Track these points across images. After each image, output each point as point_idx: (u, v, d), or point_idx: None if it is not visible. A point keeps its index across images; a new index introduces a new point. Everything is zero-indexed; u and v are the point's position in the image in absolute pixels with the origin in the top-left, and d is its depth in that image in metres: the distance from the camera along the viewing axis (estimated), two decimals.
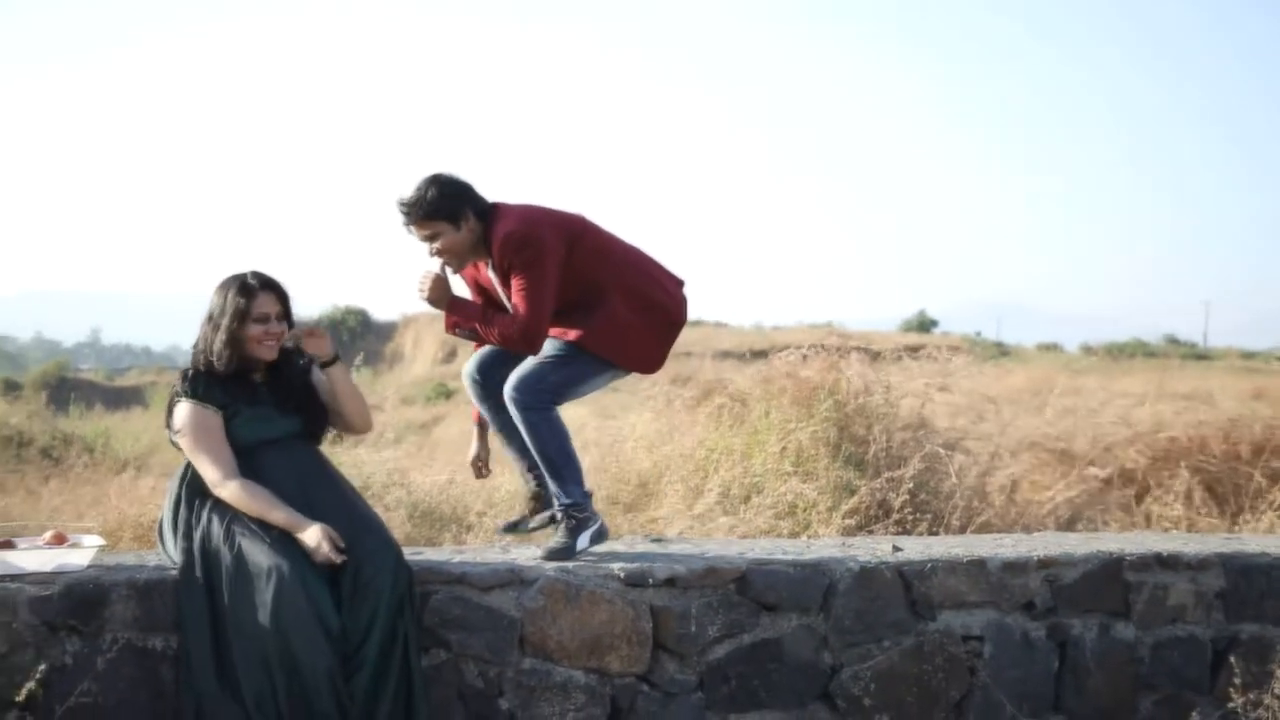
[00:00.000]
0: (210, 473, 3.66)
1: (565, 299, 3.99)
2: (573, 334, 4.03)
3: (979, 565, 4.18)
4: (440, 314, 4.08)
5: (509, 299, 4.01)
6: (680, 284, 4.24)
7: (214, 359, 3.73)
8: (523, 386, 3.94)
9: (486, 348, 4.17)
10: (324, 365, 3.94)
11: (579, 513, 4.03)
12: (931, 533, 5.61)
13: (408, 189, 3.98)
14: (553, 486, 4.05)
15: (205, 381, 3.74)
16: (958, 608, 4.15)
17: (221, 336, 3.72)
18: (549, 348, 4.02)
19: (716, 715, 3.93)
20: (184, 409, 3.72)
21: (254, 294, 3.77)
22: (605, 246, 4.10)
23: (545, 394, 3.96)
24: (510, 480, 6.45)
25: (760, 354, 7.94)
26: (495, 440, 4.33)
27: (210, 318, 3.78)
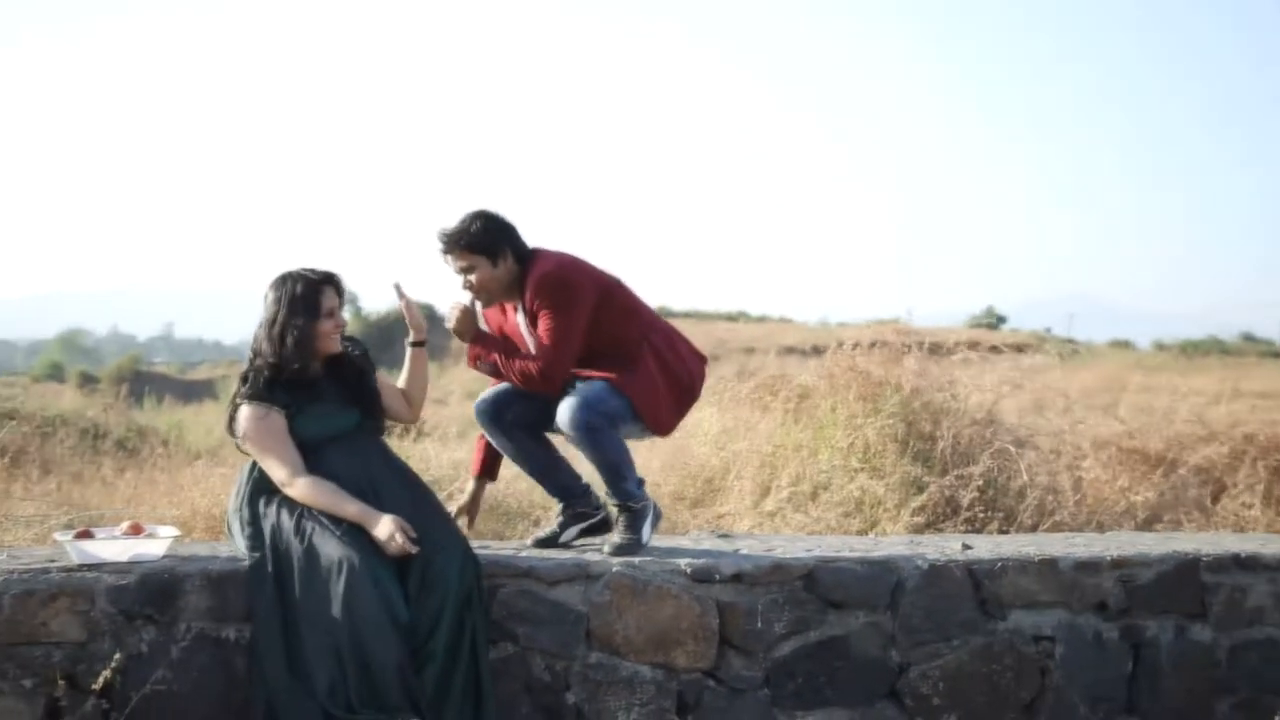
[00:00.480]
0: (278, 473, 3.70)
1: (592, 349, 4.04)
2: (609, 376, 4.03)
3: (1051, 565, 4.11)
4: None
5: (535, 342, 4.05)
6: (703, 360, 4.31)
7: (283, 359, 3.74)
8: (586, 406, 3.93)
9: (501, 385, 4.17)
10: (415, 343, 4.02)
11: (636, 503, 4.04)
12: (1002, 531, 5.53)
13: (452, 219, 4.03)
14: (610, 490, 4.06)
15: (265, 383, 3.77)
16: (1028, 607, 4.09)
17: (293, 336, 3.75)
18: (590, 384, 4.01)
19: (783, 712, 3.91)
20: (246, 412, 3.76)
21: (319, 289, 3.81)
22: (635, 308, 4.17)
23: (606, 415, 3.96)
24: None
25: (824, 350, 7.87)
26: (490, 487, 4.43)
27: (274, 319, 3.78)
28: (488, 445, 4.24)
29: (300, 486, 3.66)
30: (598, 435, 3.92)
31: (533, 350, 4.06)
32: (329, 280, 3.83)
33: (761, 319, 48.00)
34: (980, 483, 5.66)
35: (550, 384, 3.97)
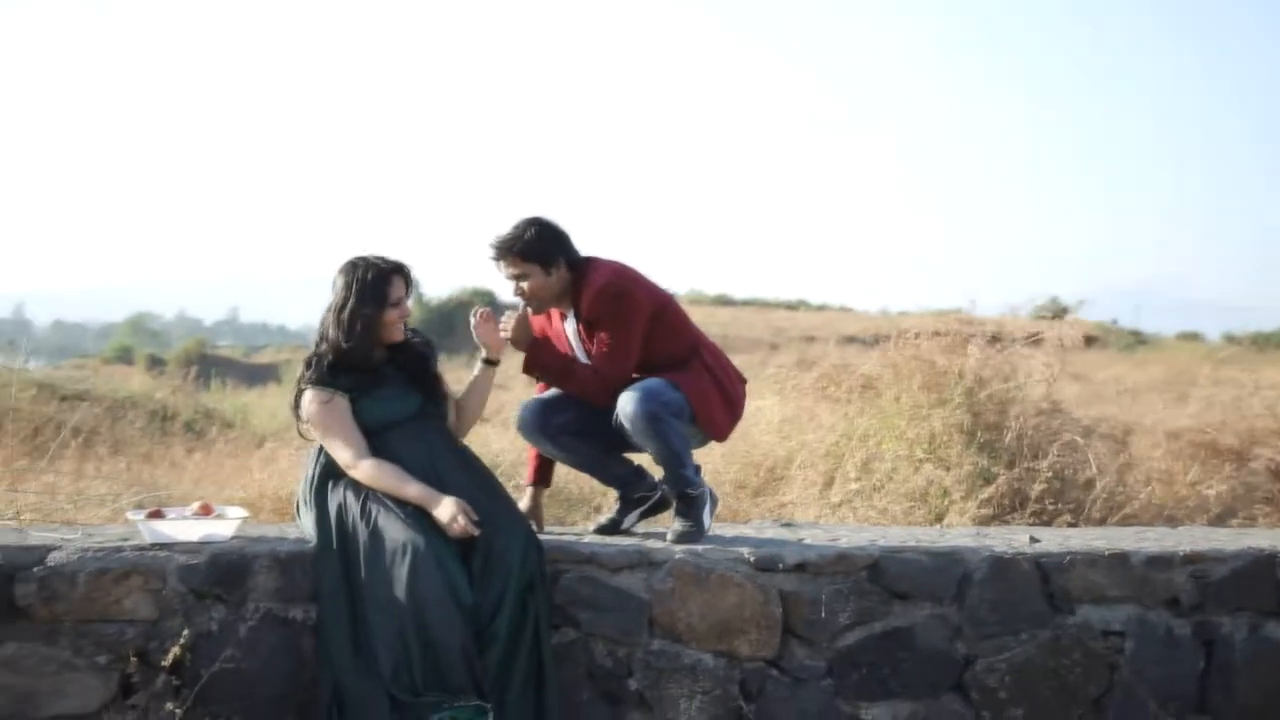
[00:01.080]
0: (343, 455, 3.73)
1: (644, 363, 4.05)
2: (669, 376, 4.04)
3: (1121, 559, 4.04)
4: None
5: (585, 352, 4.06)
6: (744, 381, 4.31)
7: (348, 345, 3.77)
8: (648, 397, 3.92)
9: (542, 395, 4.18)
10: (488, 361, 4.05)
11: (694, 490, 4.04)
12: (1071, 524, 5.45)
13: (506, 227, 4.04)
14: (668, 478, 4.06)
15: (329, 367, 3.80)
16: (1098, 602, 4.02)
17: (360, 323, 3.78)
18: (647, 379, 4.01)
19: (846, 703, 3.88)
20: (311, 396, 3.79)
21: (389, 278, 3.83)
22: (686, 323, 4.19)
23: (668, 406, 3.95)
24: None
25: (886, 339, 7.79)
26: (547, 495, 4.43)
27: (342, 305, 3.81)
28: (539, 453, 4.25)
29: (364, 468, 3.69)
30: (659, 425, 3.91)
31: (581, 359, 4.07)
32: (398, 270, 3.86)
33: (821, 308, 47.72)
34: (1049, 475, 5.58)
35: (607, 394, 3.97)
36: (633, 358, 4.02)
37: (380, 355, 3.88)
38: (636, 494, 4.23)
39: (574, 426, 4.09)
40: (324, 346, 3.82)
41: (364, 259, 3.85)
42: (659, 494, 4.22)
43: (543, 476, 4.30)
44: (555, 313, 4.17)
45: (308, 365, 3.84)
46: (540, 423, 4.11)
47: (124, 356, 37.14)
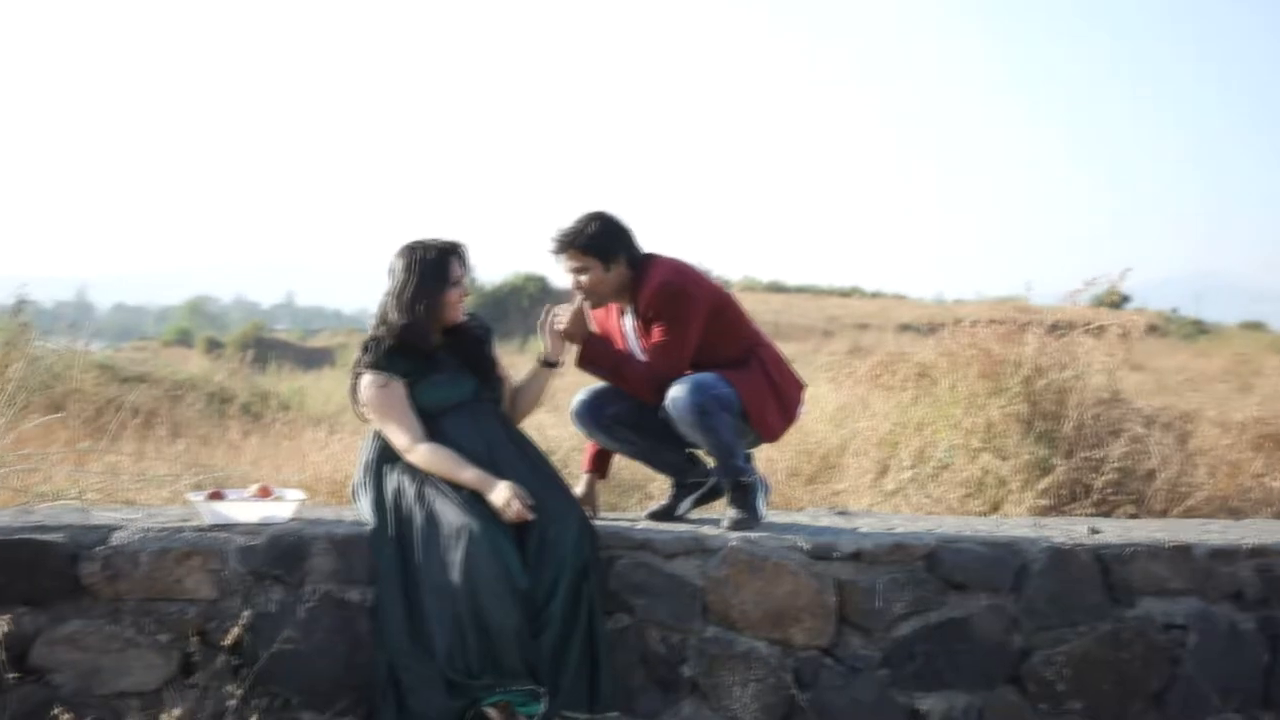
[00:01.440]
0: (399, 439, 3.75)
1: (699, 362, 4.03)
2: (721, 371, 4.03)
3: (1184, 551, 3.97)
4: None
5: (641, 348, 4.05)
6: (802, 387, 4.28)
7: (411, 326, 3.80)
8: (699, 389, 3.91)
9: (596, 385, 4.16)
10: (547, 364, 4.06)
11: (746, 478, 4.03)
12: (1132, 516, 5.37)
13: (568, 219, 4.03)
14: (720, 468, 4.04)
15: (386, 352, 3.83)
16: (1159, 594, 3.96)
17: (422, 303, 3.80)
18: (699, 373, 3.99)
19: (901, 693, 3.85)
20: (368, 380, 3.82)
21: (448, 258, 3.86)
22: (744, 322, 4.16)
23: (718, 399, 3.94)
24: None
25: (941, 328, 7.71)
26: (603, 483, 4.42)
27: (403, 287, 3.83)
28: (598, 447, 4.25)
29: (420, 452, 3.71)
30: (709, 418, 3.90)
31: (638, 356, 4.07)
32: (455, 250, 3.88)
33: (876, 295, 47.40)
34: (1110, 465, 5.50)
35: (660, 393, 3.96)
36: (687, 356, 4.00)
37: (438, 339, 3.90)
38: (690, 480, 4.22)
39: (627, 417, 4.09)
40: (382, 330, 3.85)
41: (421, 242, 3.88)
42: (712, 481, 4.22)
43: (599, 466, 4.29)
44: (615, 308, 4.16)
45: (365, 349, 3.87)
46: (593, 413, 4.11)
47: (183, 339, 37.71)
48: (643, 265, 4.03)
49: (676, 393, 3.91)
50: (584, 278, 4.02)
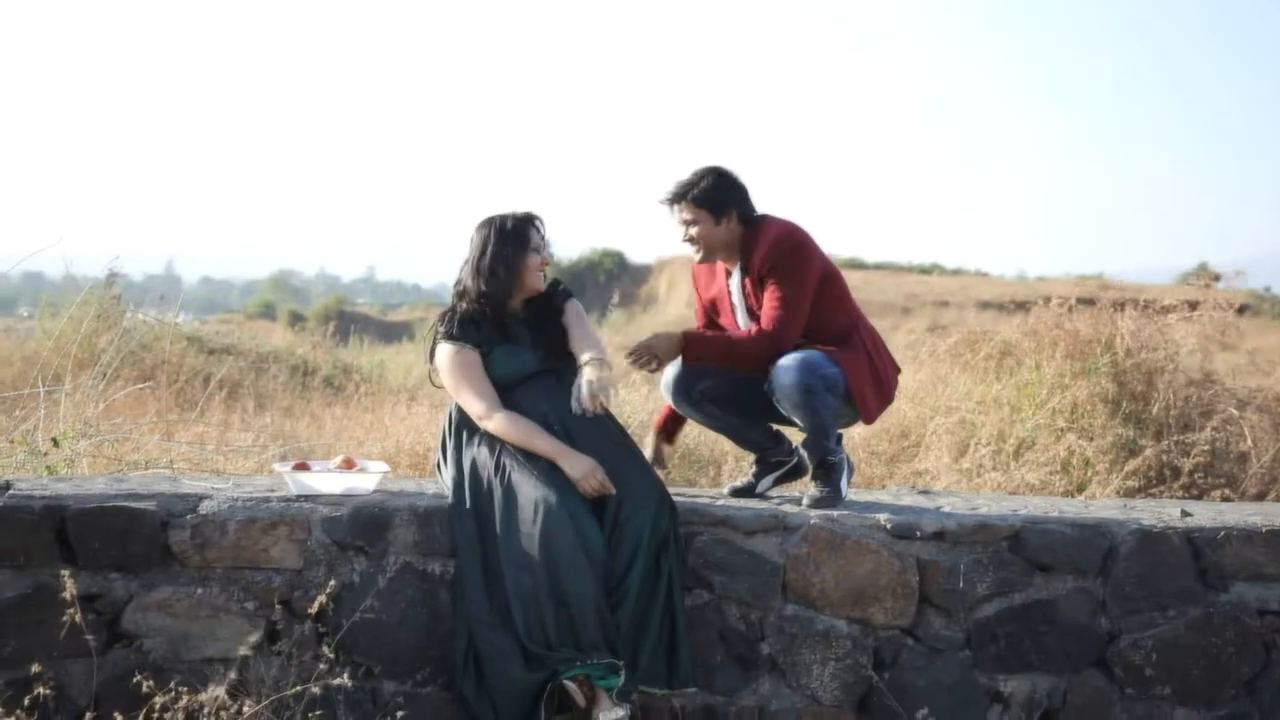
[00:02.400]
0: (474, 407, 3.77)
1: (807, 330, 4.00)
2: (828, 349, 3.99)
3: None
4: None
5: (747, 309, 4.02)
6: (898, 370, 4.26)
7: (491, 292, 3.82)
8: (807, 368, 3.87)
9: (679, 367, 4.10)
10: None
11: (833, 457, 4.00)
12: (1225, 499, 5.24)
13: (686, 172, 4.04)
14: (810, 445, 4.01)
15: (462, 322, 3.85)
16: (1253, 580, 3.86)
17: (502, 268, 3.82)
18: (807, 350, 3.95)
19: (984, 674, 3.80)
20: (444, 350, 3.85)
21: (526, 226, 3.89)
22: (848, 298, 4.14)
23: (825, 379, 3.90)
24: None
25: (1023, 306, 7.56)
26: (680, 435, 4.42)
27: (482, 253, 3.86)
28: (672, 409, 4.23)
29: (497, 421, 3.73)
30: (815, 398, 3.87)
31: (739, 317, 4.05)
32: (532, 219, 3.93)
33: (956, 272, 46.73)
34: (1202, 448, 5.37)
35: (785, 350, 3.91)
36: (802, 317, 3.95)
37: (517, 308, 3.91)
38: (773, 458, 4.19)
39: (716, 392, 4.07)
40: (460, 302, 3.87)
41: (503, 214, 3.93)
42: (795, 459, 4.19)
43: (669, 431, 4.29)
44: (721, 268, 4.14)
45: (442, 319, 3.90)
46: (684, 387, 4.08)
47: (267, 312, 38.35)
48: (755, 223, 4.02)
49: (784, 370, 3.88)
50: (694, 229, 4.02)
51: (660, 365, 3.97)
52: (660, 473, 4.08)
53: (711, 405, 4.08)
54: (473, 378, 3.80)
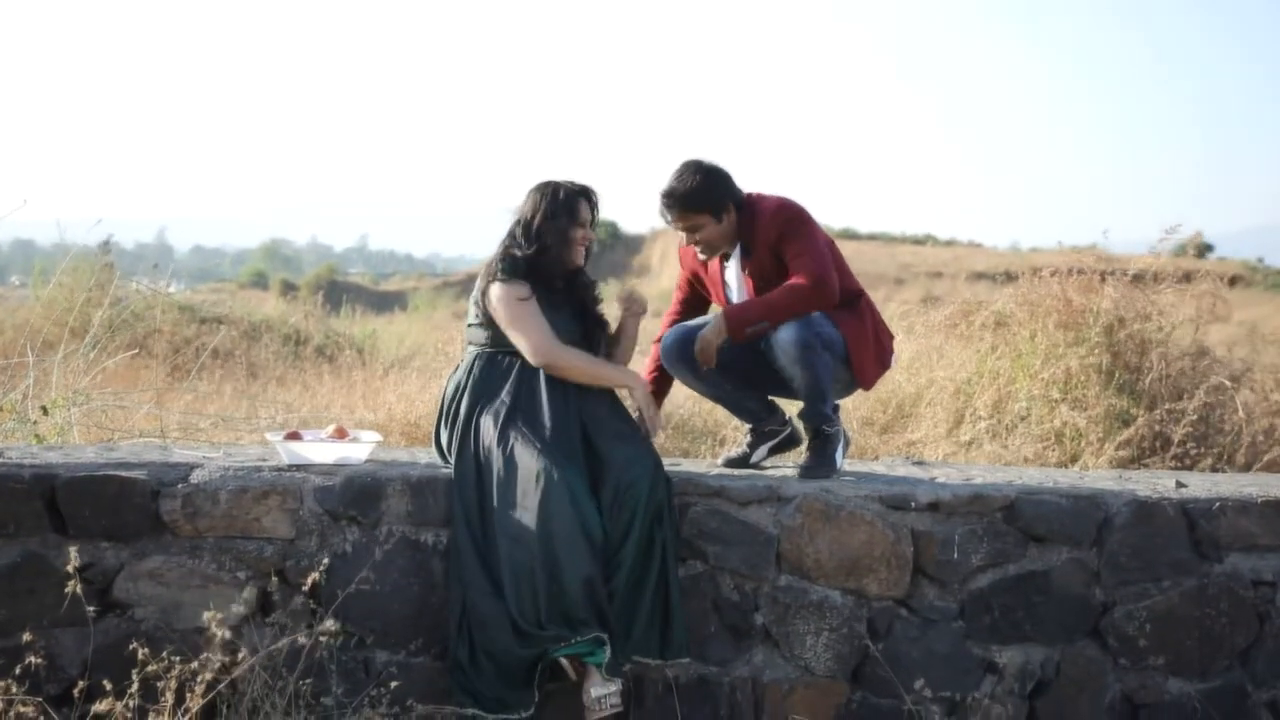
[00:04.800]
0: (534, 339, 3.73)
1: None
2: (832, 314, 3.99)
3: (1275, 506, 3.86)
4: None
5: (747, 293, 3.98)
6: (892, 337, 4.25)
7: (534, 256, 3.81)
8: (806, 326, 3.86)
9: (686, 325, 4.09)
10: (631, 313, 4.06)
11: (830, 427, 3.98)
12: (1215, 469, 5.24)
13: (670, 178, 3.95)
14: (807, 411, 4.00)
15: (515, 265, 3.82)
16: (1248, 551, 3.86)
17: (549, 236, 3.81)
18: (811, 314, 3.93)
19: (977, 645, 3.80)
20: (497, 289, 3.79)
21: (578, 199, 3.87)
22: (847, 268, 4.13)
23: (822, 337, 3.90)
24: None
25: (1016, 276, 7.55)
26: (675, 407, 4.35)
27: (531, 218, 3.84)
28: (660, 370, 4.19)
29: (557, 353, 3.72)
30: (811, 354, 3.86)
31: (734, 297, 4.03)
32: (586, 194, 3.89)
33: (949, 243, 46.71)
34: (1194, 418, 5.37)
35: (830, 292, 3.88)
36: (830, 265, 3.92)
37: (560, 277, 3.89)
38: (768, 428, 4.18)
39: (720, 360, 4.04)
40: (512, 249, 3.86)
41: (555, 180, 3.90)
42: (789, 430, 4.18)
43: (659, 388, 4.22)
44: (716, 260, 4.10)
45: (500, 259, 3.85)
46: (684, 353, 4.04)
47: (259, 281, 38.24)
48: (748, 205, 3.99)
49: (785, 327, 3.86)
50: (700, 234, 3.97)
51: (713, 347, 3.89)
52: (655, 441, 4.07)
53: (710, 371, 4.05)
54: (530, 312, 3.76)
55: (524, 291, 3.78)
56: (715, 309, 4.16)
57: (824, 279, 3.85)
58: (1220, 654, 3.84)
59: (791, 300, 3.85)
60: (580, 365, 3.75)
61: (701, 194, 3.92)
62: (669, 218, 4.00)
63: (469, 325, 3.94)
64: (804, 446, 4.05)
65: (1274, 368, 6.88)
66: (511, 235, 3.89)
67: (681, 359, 4.06)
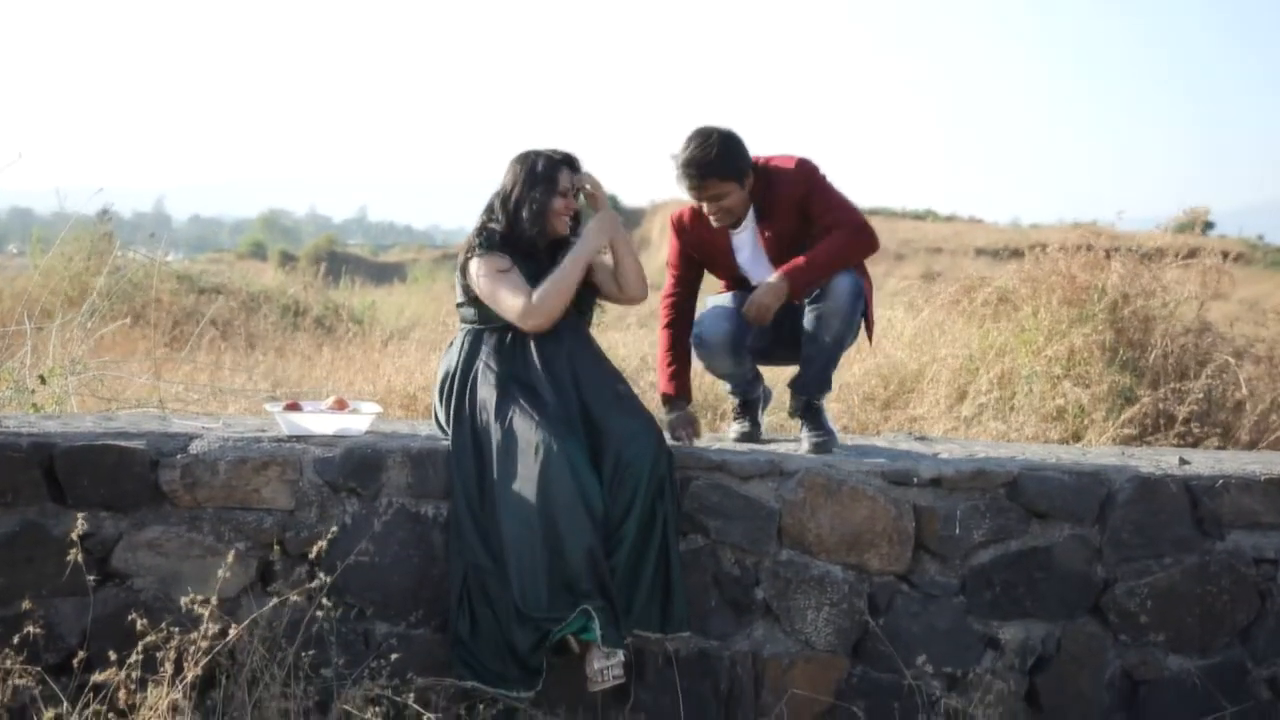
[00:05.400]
0: (513, 301, 3.69)
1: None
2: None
3: (1278, 484, 3.85)
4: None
5: (771, 257, 3.95)
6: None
7: (515, 229, 3.78)
8: (858, 292, 3.88)
9: (725, 310, 4.06)
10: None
11: (818, 400, 4.03)
12: (1219, 448, 5.23)
13: (688, 147, 3.83)
14: (816, 377, 4.00)
15: (492, 239, 3.78)
16: (1250, 528, 3.85)
17: (528, 208, 3.76)
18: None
19: (978, 620, 3.79)
20: (478, 262, 3.76)
21: (559, 168, 3.82)
22: None
23: (861, 286, 3.93)
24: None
25: (1018, 253, 7.51)
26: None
27: (510, 190, 3.80)
28: (677, 369, 4.12)
29: (534, 302, 3.67)
30: (859, 304, 3.91)
31: (758, 269, 3.98)
32: (568, 162, 3.84)
33: (950, 218, 46.58)
34: (1197, 396, 5.35)
35: (874, 236, 3.93)
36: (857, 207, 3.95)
37: (542, 248, 3.85)
38: (753, 396, 4.27)
39: (757, 345, 4.09)
40: (490, 222, 3.83)
41: (536, 150, 3.85)
42: (762, 393, 4.32)
43: (687, 392, 4.16)
44: (722, 231, 4.03)
45: (477, 234, 3.82)
46: (735, 342, 4.04)
47: (257, 252, 38.13)
48: (764, 169, 3.95)
49: (843, 278, 3.87)
50: (724, 202, 3.91)
51: (768, 309, 3.85)
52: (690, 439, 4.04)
53: (750, 357, 4.09)
54: (509, 277, 3.72)
55: (504, 263, 3.74)
56: (716, 285, 4.14)
57: (866, 224, 3.90)
58: (1221, 631, 3.83)
59: (845, 250, 3.86)
60: (562, 285, 3.70)
61: (727, 161, 3.84)
62: (692, 187, 3.89)
63: (458, 305, 3.91)
64: (801, 423, 4.02)
65: (1276, 343, 6.83)
66: (490, 208, 3.85)
67: (734, 349, 4.06)
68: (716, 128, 3.89)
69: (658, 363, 4.23)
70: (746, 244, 4.01)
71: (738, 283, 4.15)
